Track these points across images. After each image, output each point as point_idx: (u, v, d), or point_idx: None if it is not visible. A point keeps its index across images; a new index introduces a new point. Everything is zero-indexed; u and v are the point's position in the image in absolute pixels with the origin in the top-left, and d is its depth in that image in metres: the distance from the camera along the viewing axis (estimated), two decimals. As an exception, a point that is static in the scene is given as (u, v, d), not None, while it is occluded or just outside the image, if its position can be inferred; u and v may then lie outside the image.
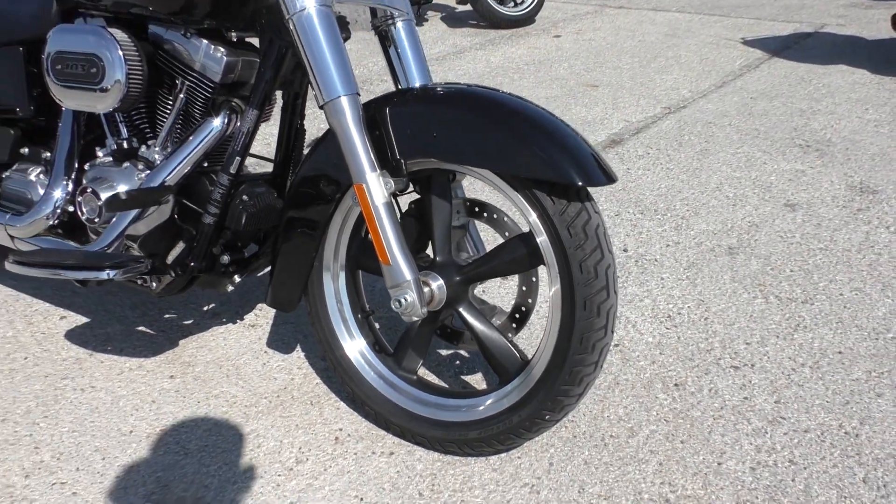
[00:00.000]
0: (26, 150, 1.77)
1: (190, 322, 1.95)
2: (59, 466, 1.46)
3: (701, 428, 1.51)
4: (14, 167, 1.77)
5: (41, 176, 1.72)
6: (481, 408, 1.38)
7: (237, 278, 1.67)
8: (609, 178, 1.22)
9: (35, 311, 2.00)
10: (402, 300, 1.30)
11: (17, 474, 1.45)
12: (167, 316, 1.97)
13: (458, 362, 1.75)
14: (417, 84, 1.49)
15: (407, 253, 1.30)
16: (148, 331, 1.91)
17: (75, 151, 1.65)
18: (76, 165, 1.65)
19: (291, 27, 1.29)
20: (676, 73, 4.10)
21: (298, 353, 1.80)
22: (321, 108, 1.31)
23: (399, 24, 1.50)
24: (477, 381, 1.68)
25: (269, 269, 1.67)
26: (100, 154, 1.64)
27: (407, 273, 1.30)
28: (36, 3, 1.69)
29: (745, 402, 1.58)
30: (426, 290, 1.35)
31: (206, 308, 2.01)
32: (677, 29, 5.23)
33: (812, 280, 2.03)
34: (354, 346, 1.52)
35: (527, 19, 5.47)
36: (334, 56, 1.29)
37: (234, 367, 1.76)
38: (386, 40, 1.52)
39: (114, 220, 1.53)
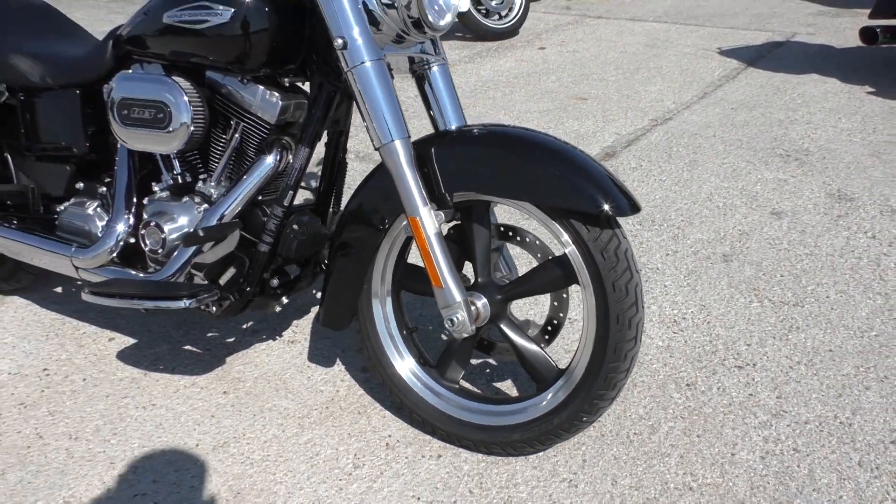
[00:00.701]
0: (81, 185, 1.90)
1: (232, 340, 2.08)
2: (137, 479, 1.60)
3: (714, 423, 1.69)
4: (71, 201, 1.89)
5: (99, 209, 1.85)
6: (524, 412, 1.54)
7: (284, 299, 1.82)
8: (634, 208, 1.39)
9: (83, 334, 2.12)
10: (455, 319, 1.46)
11: (98, 488, 1.58)
12: (210, 335, 2.11)
13: (487, 371, 1.91)
14: (453, 124, 1.64)
15: (456, 277, 1.47)
16: (194, 349, 2.04)
17: (133, 187, 1.79)
18: (135, 200, 1.78)
19: (350, 79, 1.44)
20: (660, 85, 4.31)
21: (339, 367, 1.95)
22: (377, 149, 1.46)
23: (434, 69, 1.65)
24: (507, 387, 1.85)
25: (307, 289, 1.82)
26: (156, 189, 1.78)
27: (457, 295, 1.46)
28: (92, 49, 1.83)
29: (750, 399, 1.76)
30: (472, 308, 1.51)
31: (245, 326, 2.15)
32: (656, 39, 5.46)
33: (801, 284, 2.23)
34: (403, 362, 1.67)
35: (511, 31, 5.66)
36: (388, 104, 1.44)
37: (281, 382, 1.90)
38: (422, 81, 1.68)
39: (178, 250, 1.66)
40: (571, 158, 1.43)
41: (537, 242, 1.61)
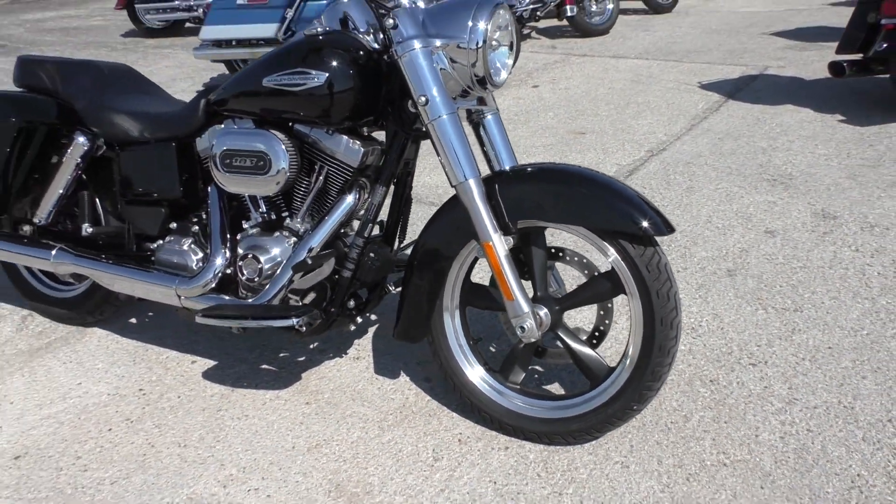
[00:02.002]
0: (174, 224, 2.15)
1: (303, 359, 2.33)
2: (247, 477, 1.84)
3: (737, 411, 1.98)
4: (167, 239, 2.14)
5: (193, 245, 2.10)
6: (583, 405, 1.82)
7: (359, 319, 2.08)
8: (670, 229, 1.69)
9: (167, 358, 2.36)
10: (524, 326, 1.74)
11: (215, 486, 1.81)
12: (282, 355, 2.36)
13: (535, 376, 2.18)
14: (507, 163, 1.93)
15: (524, 291, 1.75)
16: (271, 368, 2.29)
17: (226, 225, 2.05)
18: (228, 236, 2.04)
19: (431, 129, 1.73)
20: (650, 118, 4.67)
21: (404, 378, 2.21)
22: (454, 186, 1.75)
23: (489, 117, 1.95)
24: (555, 388, 2.12)
25: (368, 313, 2.08)
26: (246, 226, 2.04)
27: (525, 306, 1.74)
28: (185, 107, 2.10)
29: (766, 390, 2.05)
30: (537, 318, 1.79)
31: (311, 346, 2.40)
32: (640, 75, 5.85)
33: (798, 292, 2.54)
34: (473, 370, 1.94)
35: (505, 71, 6.01)
36: (462, 148, 1.73)
37: (355, 392, 2.15)
38: (478, 127, 1.97)
39: (275, 277, 1.92)
40: (614, 188, 1.72)
41: (584, 261, 1.90)
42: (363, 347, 2.38)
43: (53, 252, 2.21)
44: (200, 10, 7.88)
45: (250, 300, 1.96)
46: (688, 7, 9.11)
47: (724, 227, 3.09)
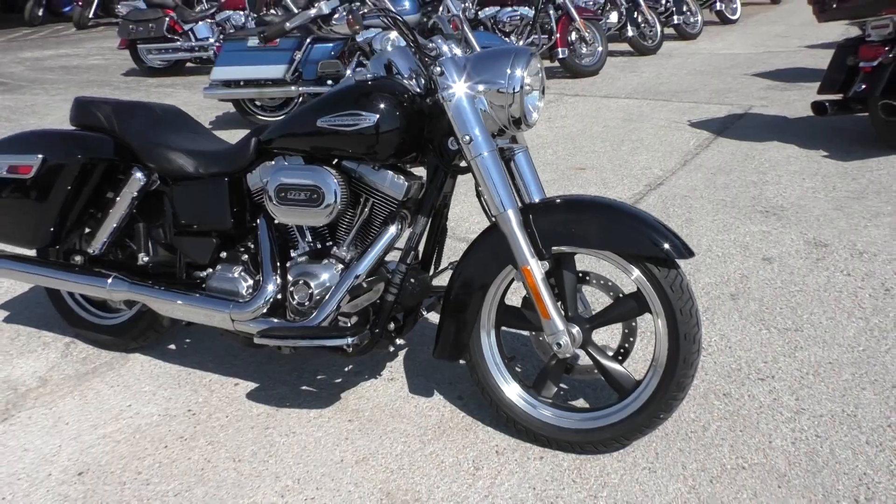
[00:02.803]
0: (224, 254, 2.31)
1: (340, 380, 2.47)
2: (303, 488, 1.97)
3: (751, 421, 2.14)
4: (218, 268, 2.30)
5: (243, 273, 2.26)
6: (612, 415, 1.98)
7: (398, 341, 2.24)
8: (689, 252, 1.87)
9: (210, 381, 2.49)
10: (560, 343, 1.90)
11: (273, 496, 1.94)
12: (319, 377, 2.50)
13: (562, 393, 2.34)
14: (536, 196, 2.11)
15: (559, 311, 1.92)
16: (310, 389, 2.43)
17: (276, 254, 2.21)
18: (278, 264, 2.20)
19: (474, 166, 1.91)
20: (645, 155, 4.92)
21: (438, 396, 2.36)
22: (493, 216, 1.93)
23: (520, 154, 2.14)
24: (580, 403, 2.28)
25: (401, 337, 2.24)
26: (293, 255, 2.21)
27: (561, 325, 1.91)
28: (237, 145, 2.27)
29: (775, 402, 2.23)
30: (570, 335, 1.95)
31: (347, 369, 2.54)
32: (631, 114, 6.13)
33: (797, 314, 2.74)
34: (509, 386, 2.10)
35: (502, 110, 6.26)
36: (501, 182, 1.92)
37: (394, 410, 2.30)
38: (509, 162, 2.16)
39: (325, 301, 2.08)
40: (638, 216, 1.91)
41: (609, 283, 2.08)
42: (396, 369, 2.52)
43: (109, 280, 2.35)
44: (211, 52, 8.12)
45: (300, 323, 2.11)
46: (671, 49, 9.49)
47: (723, 255, 3.29)
